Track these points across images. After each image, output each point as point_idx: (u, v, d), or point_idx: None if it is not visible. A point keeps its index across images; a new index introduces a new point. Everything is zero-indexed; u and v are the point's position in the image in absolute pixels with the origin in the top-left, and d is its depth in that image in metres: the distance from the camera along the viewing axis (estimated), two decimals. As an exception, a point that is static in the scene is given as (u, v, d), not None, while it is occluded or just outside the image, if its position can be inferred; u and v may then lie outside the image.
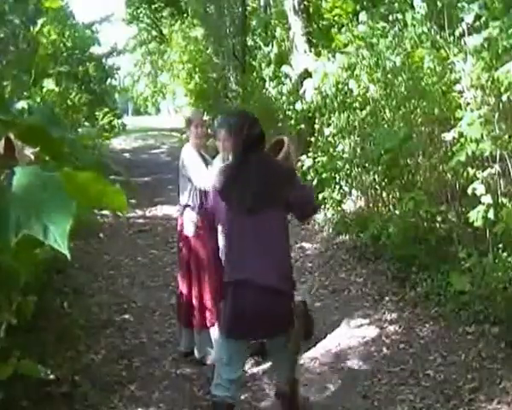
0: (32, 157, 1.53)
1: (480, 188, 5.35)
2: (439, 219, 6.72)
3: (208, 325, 5.27)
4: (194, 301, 5.26)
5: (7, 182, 1.32)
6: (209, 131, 6.15)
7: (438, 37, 6.90)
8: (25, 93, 5.26)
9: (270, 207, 3.72)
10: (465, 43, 5.97)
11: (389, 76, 7.65)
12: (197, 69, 23.89)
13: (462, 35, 6.16)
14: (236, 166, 3.88)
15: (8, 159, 1.51)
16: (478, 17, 5.94)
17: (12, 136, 1.53)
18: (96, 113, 17.18)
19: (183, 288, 5.36)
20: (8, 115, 1.88)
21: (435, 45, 6.81)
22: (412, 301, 6.26)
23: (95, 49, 18.60)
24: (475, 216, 5.33)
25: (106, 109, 18.23)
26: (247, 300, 3.66)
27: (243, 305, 3.69)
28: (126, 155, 21.22)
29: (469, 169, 5.82)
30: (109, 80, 20.84)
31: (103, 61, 19.73)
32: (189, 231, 5.23)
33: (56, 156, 1.55)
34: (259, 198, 3.70)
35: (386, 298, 6.54)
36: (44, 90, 6.40)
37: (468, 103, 5.84)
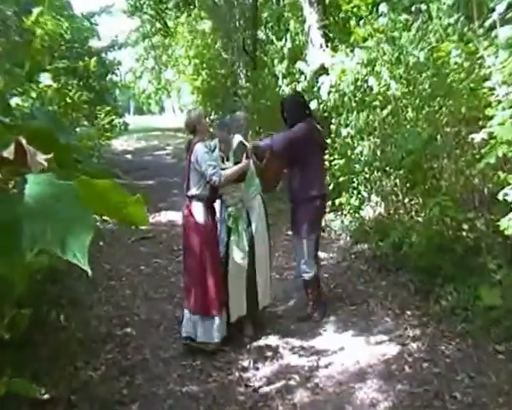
0: (46, 164, 1.48)
1: (511, 194, 5.29)
2: (466, 226, 6.66)
3: (216, 312, 5.94)
4: (212, 288, 5.93)
5: (18, 190, 1.28)
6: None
7: (466, 29, 6.86)
8: (18, 89, 5.25)
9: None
10: (496, 36, 5.91)
11: (412, 72, 7.62)
12: (204, 65, 23.99)
13: (492, 27, 6.11)
14: (311, 125, 6.56)
15: (20, 165, 1.47)
16: (510, 7, 5.89)
17: (24, 140, 1.49)
18: (97, 111, 17.18)
19: (200, 274, 5.95)
20: (10, 118, 1.85)
21: (463, 38, 6.77)
22: (437, 316, 6.20)
23: (94, 43, 18.63)
24: (506, 224, 5.27)
25: (108, 108, 18.24)
26: (325, 206, 6.94)
27: (324, 209, 6.95)
28: (128, 156, 21.28)
29: (500, 173, 5.76)
30: (109, 76, 20.85)
31: (103, 55, 19.74)
32: (200, 219, 5.96)
33: (64, 164, 1.51)
34: (325, 142, 7.11)
35: (409, 312, 6.50)
36: (41, 85, 6.38)
37: (500, 101, 5.78)
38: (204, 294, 5.90)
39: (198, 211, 5.95)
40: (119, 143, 23.51)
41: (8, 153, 1.46)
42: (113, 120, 19.48)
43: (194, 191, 5.97)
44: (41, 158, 1.47)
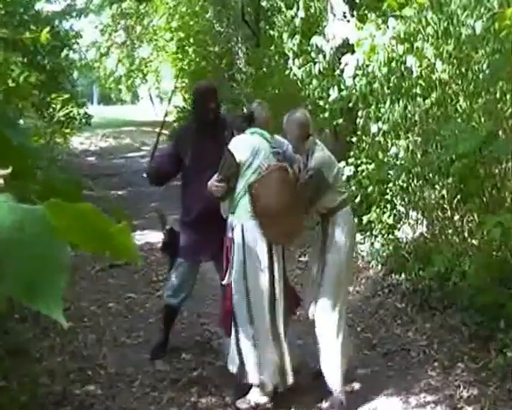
0: (2, 181, 1.44)
1: None
2: (537, 253, 6.67)
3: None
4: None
5: None
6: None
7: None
8: None
9: None
10: None
11: (465, 49, 7.61)
12: (192, 40, 24.04)
13: None
14: None
15: None
16: None
17: None
18: (51, 99, 17.13)
19: None
20: None
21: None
22: (500, 370, 6.14)
23: (42, 6, 18.49)
24: None
25: (66, 95, 18.12)
26: None
27: None
28: (91, 158, 21.34)
29: None
30: (65, 52, 20.64)
31: (56, 23, 19.54)
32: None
33: (19, 172, 1.47)
34: None
35: (462, 365, 6.46)
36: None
37: None
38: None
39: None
40: (79, 142, 23.56)
41: None
42: (70, 111, 19.32)
43: None
44: None
